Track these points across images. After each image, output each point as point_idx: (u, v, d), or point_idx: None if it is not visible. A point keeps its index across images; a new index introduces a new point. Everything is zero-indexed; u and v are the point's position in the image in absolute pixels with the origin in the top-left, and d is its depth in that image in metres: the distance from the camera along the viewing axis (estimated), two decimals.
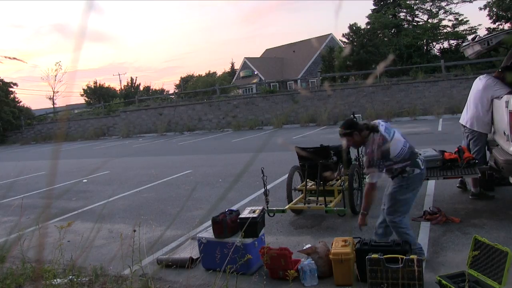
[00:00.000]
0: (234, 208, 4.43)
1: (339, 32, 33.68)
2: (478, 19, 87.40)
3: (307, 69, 39.32)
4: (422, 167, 3.56)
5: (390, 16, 30.99)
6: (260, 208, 4.03)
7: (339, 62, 26.59)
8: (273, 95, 21.21)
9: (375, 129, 3.50)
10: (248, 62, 43.14)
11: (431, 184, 5.99)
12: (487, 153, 5.14)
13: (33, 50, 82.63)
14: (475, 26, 29.84)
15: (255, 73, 41.31)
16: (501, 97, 4.55)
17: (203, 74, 47.82)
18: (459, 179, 5.48)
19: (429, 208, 4.83)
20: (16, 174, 11.78)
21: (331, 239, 3.68)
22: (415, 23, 31.66)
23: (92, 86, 41.74)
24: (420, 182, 3.60)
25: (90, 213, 6.67)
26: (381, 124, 3.58)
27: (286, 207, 5.04)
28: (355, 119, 3.87)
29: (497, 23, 26.97)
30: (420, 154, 3.69)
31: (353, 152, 6.04)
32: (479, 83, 4.97)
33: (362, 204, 3.73)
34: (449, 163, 4.73)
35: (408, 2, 30.80)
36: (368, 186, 3.50)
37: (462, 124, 5.19)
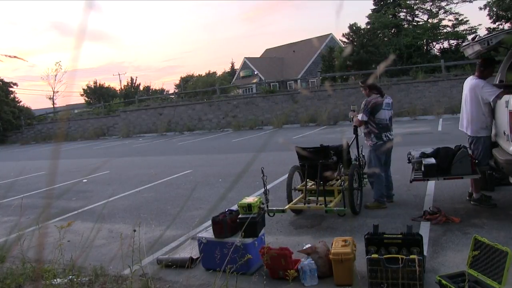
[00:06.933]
0: (234, 208, 4.43)
1: (339, 32, 33.69)
2: (478, 19, 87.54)
3: (307, 69, 39.32)
4: (383, 139, 5.21)
5: (390, 16, 31.02)
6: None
7: (340, 62, 26.62)
8: (273, 95, 21.21)
9: (381, 94, 5.34)
10: (248, 62, 43.13)
11: (431, 184, 5.98)
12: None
13: (31, 49, 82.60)
14: (475, 26, 29.93)
15: (255, 73, 41.30)
16: (493, 101, 4.52)
17: (203, 74, 47.75)
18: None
19: (429, 208, 4.84)
20: (16, 174, 11.78)
21: (331, 239, 3.68)
22: (415, 23, 31.69)
23: (92, 86, 41.75)
24: (381, 151, 5.22)
25: (90, 213, 6.67)
26: (388, 98, 5.41)
27: (286, 207, 5.04)
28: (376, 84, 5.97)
29: (497, 23, 27.02)
30: (390, 135, 5.30)
31: (353, 152, 6.03)
32: (466, 85, 4.93)
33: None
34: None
35: (408, 2, 30.82)
36: (357, 121, 5.38)
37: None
